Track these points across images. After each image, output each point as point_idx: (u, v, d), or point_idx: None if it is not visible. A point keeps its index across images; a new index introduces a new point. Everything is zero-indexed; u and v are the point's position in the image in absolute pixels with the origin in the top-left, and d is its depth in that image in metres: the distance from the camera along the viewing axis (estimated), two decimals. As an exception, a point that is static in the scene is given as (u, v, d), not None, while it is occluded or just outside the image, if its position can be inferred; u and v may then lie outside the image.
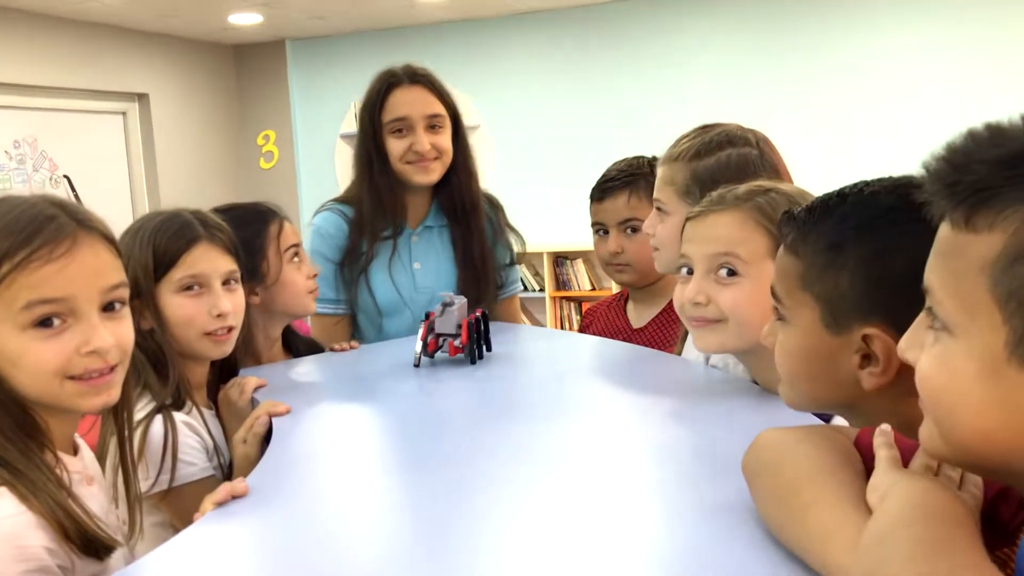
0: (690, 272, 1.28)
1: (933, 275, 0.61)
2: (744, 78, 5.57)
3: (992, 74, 5.05)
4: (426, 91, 1.95)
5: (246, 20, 5.85)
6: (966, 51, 5.10)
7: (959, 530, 0.59)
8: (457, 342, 1.60)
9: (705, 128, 1.52)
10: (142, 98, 6.06)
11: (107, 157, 5.89)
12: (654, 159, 1.95)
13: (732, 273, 1.22)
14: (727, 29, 5.62)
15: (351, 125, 6.45)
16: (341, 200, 2.06)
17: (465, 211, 2.02)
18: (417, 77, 1.96)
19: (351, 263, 1.98)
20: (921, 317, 0.64)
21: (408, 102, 1.94)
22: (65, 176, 5.52)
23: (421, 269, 2.02)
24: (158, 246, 1.39)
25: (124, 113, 6.02)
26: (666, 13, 5.74)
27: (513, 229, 2.12)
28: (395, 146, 1.94)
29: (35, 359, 0.93)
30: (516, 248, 2.12)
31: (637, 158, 1.97)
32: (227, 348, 1.45)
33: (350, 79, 6.46)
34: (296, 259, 1.73)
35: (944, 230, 0.60)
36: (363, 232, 1.98)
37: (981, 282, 0.56)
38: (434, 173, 1.96)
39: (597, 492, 0.95)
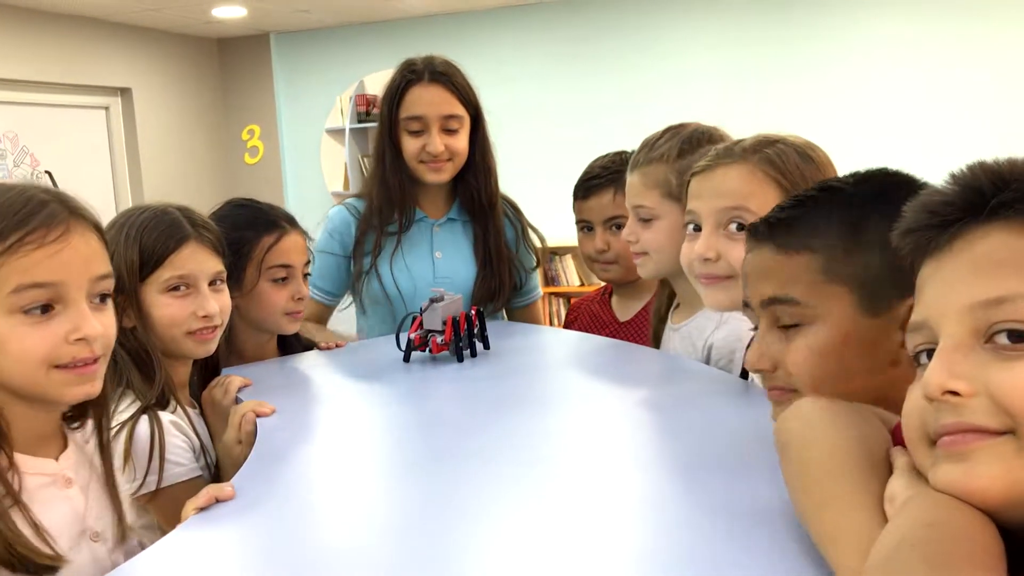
0: (697, 229, 1.26)
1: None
2: (734, 70, 5.57)
3: (991, 72, 5.06)
4: (445, 90, 1.95)
5: (230, 13, 5.80)
6: (963, 44, 5.11)
7: (975, 549, 0.55)
8: (440, 339, 1.58)
9: (675, 128, 1.51)
10: (125, 92, 6.00)
11: (89, 152, 5.83)
12: None
13: (743, 228, 1.18)
14: (717, 21, 5.61)
15: (337, 120, 6.41)
16: (357, 195, 2.11)
17: (483, 208, 2.05)
18: (437, 75, 1.95)
19: (358, 256, 2.01)
20: (964, 344, 0.61)
21: (426, 102, 1.94)
22: (47, 172, 5.46)
23: (443, 258, 2.04)
24: (145, 244, 1.36)
25: (107, 108, 5.96)
26: (654, 5, 5.73)
27: (534, 228, 2.15)
28: (410, 144, 1.96)
29: (22, 345, 0.91)
30: (537, 244, 2.16)
31: (619, 154, 1.95)
32: (211, 347, 1.43)
33: (335, 73, 6.42)
34: (284, 279, 1.67)
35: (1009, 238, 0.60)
36: (371, 226, 2.00)
37: None
38: (445, 173, 1.98)
39: (586, 490, 0.94)
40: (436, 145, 1.93)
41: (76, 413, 1.06)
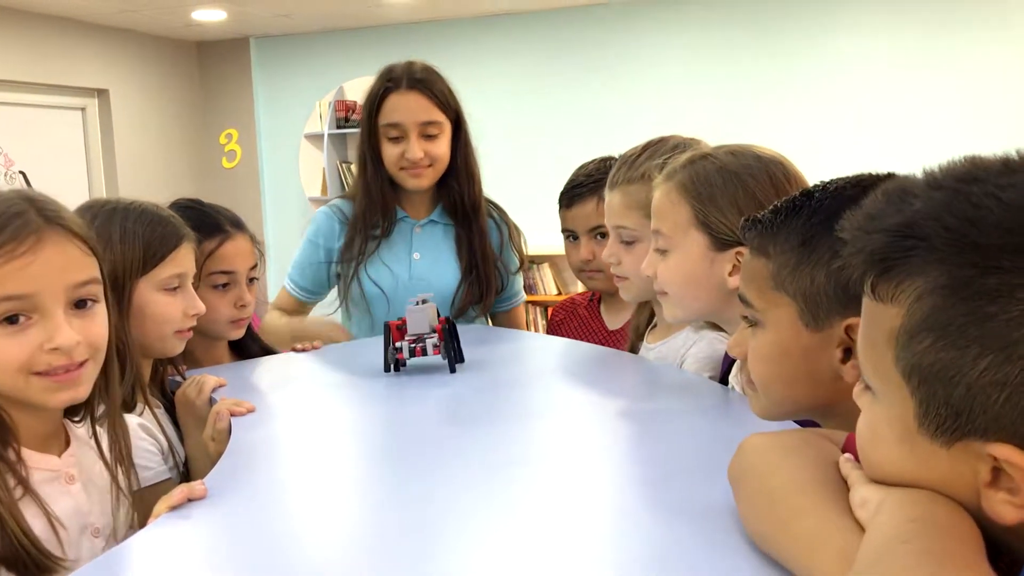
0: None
1: (859, 336, 0.63)
2: (713, 82, 5.61)
3: (964, 79, 5.13)
4: (423, 97, 1.95)
5: (210, 16, 5.77)
6: (938, 56, 5.18)
7: (960, 543, 0.55)
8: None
9: (655, 145, 1.49)
10: (102, 94, 5.95)
11: (65, 153, 5.77)
12: None
13: (662, 249, 1.29)
14: (697, 33, 5.66)
15: (316, 125, 6.39)
16: (343, 196, 2.12)
17: (467, 212, 2.04)
18: (415, 82, 1.95)
19: (344, 259, 2.01)
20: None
21: (403, 108, 1.95)
22: (21, 172, 5.40)
23: (420, 260, 2.04)
24: (150, 240, 1.35)
25: (83, 109, 5.91)
26: (635, 18, 5.77)
27: (517, 229, 2.15)
28: (389, 151, 1.97)
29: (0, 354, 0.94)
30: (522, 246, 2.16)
31: (603, 161, 1.94)
32: (184, 346, 1.43)
33: (315, 78, 6.41)
34: (225, 285, 1.63)
35: (864, 296, 0.61)
36: (356, 231, 2.01)
37: (888, 353, 0.58)
38: (425, 179, 1.99)
39: (565, 496, 0.94)
40: (415, 152, 1.93)
41: (73, 408, 1.07)
